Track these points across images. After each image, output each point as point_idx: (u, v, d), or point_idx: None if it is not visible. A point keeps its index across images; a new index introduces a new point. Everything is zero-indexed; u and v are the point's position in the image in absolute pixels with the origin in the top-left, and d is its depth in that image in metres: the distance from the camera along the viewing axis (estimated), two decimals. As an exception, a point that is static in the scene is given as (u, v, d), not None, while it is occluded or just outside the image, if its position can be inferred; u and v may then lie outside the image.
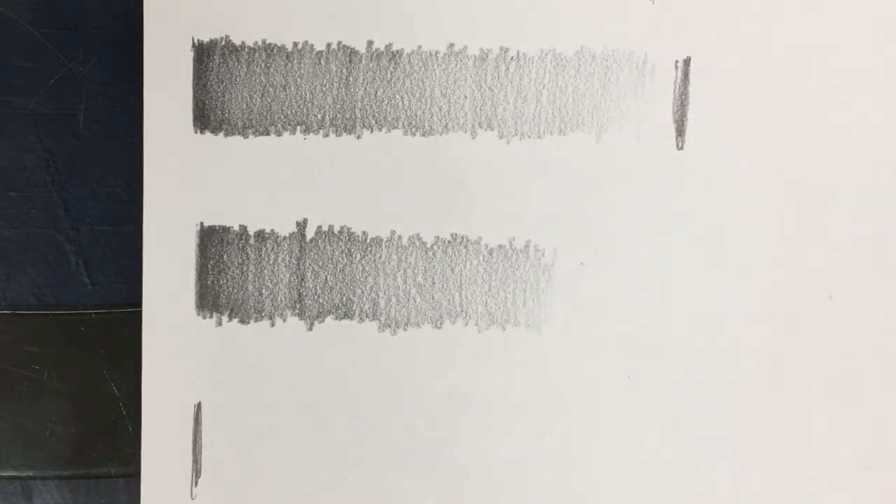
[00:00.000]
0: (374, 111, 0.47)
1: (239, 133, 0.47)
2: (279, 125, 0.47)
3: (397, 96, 0.47)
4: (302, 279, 0.47)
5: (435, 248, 0.47)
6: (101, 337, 0.48)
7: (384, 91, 0.47)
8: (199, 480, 0.47)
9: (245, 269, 0.47)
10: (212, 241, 0.47)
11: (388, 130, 0.47)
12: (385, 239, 0.47)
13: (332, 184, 0.47)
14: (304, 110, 0.47)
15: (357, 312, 0.47)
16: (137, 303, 0.48)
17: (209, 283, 0.47)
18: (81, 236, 0.48)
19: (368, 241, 0.47)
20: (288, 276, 0.47)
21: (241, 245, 0.47)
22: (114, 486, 0.48)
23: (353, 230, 0.47)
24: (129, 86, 0.48)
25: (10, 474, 0.48)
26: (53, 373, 0.48)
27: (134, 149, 0.48)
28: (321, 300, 0.47)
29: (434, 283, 0.47)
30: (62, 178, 0.48)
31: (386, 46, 0.47)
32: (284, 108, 0.47)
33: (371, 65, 0.47)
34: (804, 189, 0.47)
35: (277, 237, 0.47)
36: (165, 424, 0.47)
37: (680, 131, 0.47)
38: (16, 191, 0.48)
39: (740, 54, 0.47)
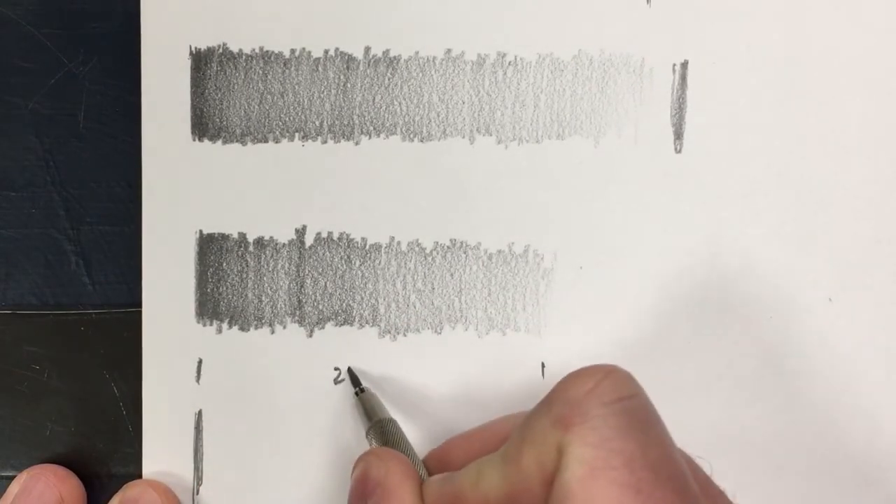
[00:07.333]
0: (372, 117, 0.47)
1: (237, 140, 0.47)
2: (277, 132, 0.47)
3: (395, 102, 0.47)
4: (301, 286, 0.48)
5: (434, 253, 0.47)
6: (101, 337, 0.48)
7: (382, 97, 0.47)
8: (201, 489, 0.47)
9: (244, 276, 0.47)
10: (211, 248, 0.47)
11: (387, 136, 0.47)
12: (384, 245, 0.47)
13: (331, 190, 0.47)
14: (302, 117, 0.47)
15: (357, 318, 0.47)
16: (137, 303, 0.48)
17: (209, 290, 0.47)
18: (81, 236, 0.48)
19: (367, 247, 0.47)
20: (287, 282, 0.48)
21: (240, 252, 0.47)
22: (114, 486, 0.48)
23: (352, 236, 0.47)
24: (128, 86, 0.48)
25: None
26: (53, 373, 0.48)
27: (134, 148, 0.48)
28: (321, 307, 0.47)
29: (434, 288, 0.47)
30: (62, 178, 0.48)
31: (383, 52, 0.47)
32: (282, 115, 0.47)
33: (369, 71, 0.47)
34: (803, 191, 0.47)
35: (276, 244, 0.47)
36: (167, 433, 0.48)
37: (678, 135, 0.47)
38: (16, 191, 0.48)
39: (738, 57, 0.47)
